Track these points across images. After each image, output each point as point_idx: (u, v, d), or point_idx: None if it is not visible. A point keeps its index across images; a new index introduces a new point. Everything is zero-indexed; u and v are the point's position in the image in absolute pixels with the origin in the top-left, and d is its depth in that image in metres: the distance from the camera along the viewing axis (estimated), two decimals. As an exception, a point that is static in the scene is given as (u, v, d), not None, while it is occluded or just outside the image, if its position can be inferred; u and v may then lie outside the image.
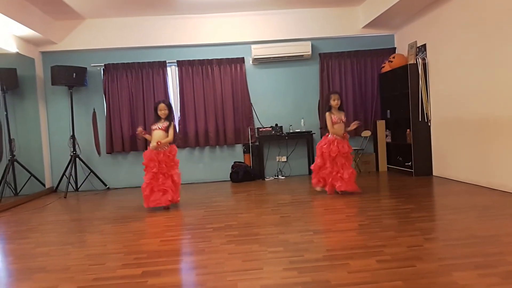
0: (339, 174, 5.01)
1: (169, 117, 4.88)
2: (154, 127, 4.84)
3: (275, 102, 7.27)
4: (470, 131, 5.26)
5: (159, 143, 4.71)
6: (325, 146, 5.08)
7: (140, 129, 4.94)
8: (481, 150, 5.07)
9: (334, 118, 5.09)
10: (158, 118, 4.87)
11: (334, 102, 5.11)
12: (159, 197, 4.71)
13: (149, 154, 4.77)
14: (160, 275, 2.62)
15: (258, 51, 6.94)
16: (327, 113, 5.13)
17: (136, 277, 2.60)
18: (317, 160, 5.21)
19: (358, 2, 6.80)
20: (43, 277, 2.72)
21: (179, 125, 7.11)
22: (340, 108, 5.19)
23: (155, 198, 4.71)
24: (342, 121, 5.13)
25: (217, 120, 7.13)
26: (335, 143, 5.03)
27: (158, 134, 4.78)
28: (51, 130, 7.04)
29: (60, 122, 6.99)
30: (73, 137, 6.71)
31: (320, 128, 6.93)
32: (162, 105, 4.84)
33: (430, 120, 6.23)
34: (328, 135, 5.16)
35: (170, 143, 4.84)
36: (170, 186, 4.76)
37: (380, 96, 7.28)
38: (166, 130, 4.79)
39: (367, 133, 7.14)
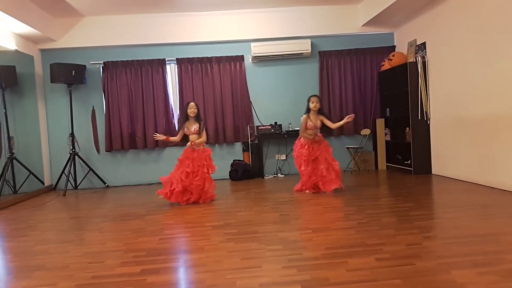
0: (319, 172, 5.08)
1: (198, 116, 5.12)
2: (188, 131, 5.08)
3: (275, 100, 7.26)
4: (470, 130, 5.26)
5: (192, 143, 5.00)
6: (297, 149, 5.24)
7: (163, 137, 5.21)
8: (480, 148, 5.07)
9: (309, 125, 5.15)
10: (187, 117, 5.10)
11: (313, 104, 5.16)
12: (188, 196, 4.97)
13: (186, 151, 5.06)
14: (159, 273, 2.62)
15: (258, 49, 6.93)
16: (304, 116, 5.21)
17: (135, 275, 2.60)
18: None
19: (358, 0, 6.78)
20: (42, 275, 2.72)
21: (178, 123, 7.11)
22: (319, 112, 5.22)
23: (186, 197, 4.96)
24: (317, 127, 5.18)
25: (217, 118, 7.13)
26: (306, 147, 5.14)
27: (193, 138, 5.06)
28: (50, 128, 7.04)
29: (59, 120, 6.98)
30: (72, 135, 6.71)
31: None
32: (192, 104, 5.13)
33: (429, 119, 6.23)
34: (300, 138, 5.28)
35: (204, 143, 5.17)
36: (196, 188, 4.93)
37: (380, 94, 7.28)
38: (199, 133, 5.06)
39: (366, 132, 7.14)
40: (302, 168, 5.16)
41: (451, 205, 4.13)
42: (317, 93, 7.22)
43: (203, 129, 5.11)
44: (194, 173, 4.90)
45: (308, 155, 5.12)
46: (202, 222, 3.99)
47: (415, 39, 6.51)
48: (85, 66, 6.80)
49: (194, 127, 5.06)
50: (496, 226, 3.28)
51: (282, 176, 7.14)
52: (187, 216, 4.32)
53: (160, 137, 5.19)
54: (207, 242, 3.26)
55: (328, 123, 5.19)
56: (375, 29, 7.10)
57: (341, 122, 5.17)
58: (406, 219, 3.63)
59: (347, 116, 5.16)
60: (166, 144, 7.10)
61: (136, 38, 6.89)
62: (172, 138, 5.25)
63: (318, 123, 5.18)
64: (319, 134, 5.24)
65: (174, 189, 4.87)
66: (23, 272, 2.82)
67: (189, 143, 5.04)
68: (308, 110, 5.21)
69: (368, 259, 2.63)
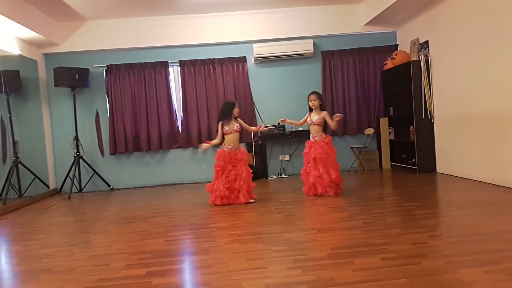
0: (319, 177, 4.93)
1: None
2: (229, 130, 4.94)
3: (278, 101, 7.26)
4: (474, 128, 5.24)
5: (248, 131, 5.38)
6: (306, 149, 5.11)
7: (206, 145, 5.07)
8: (485, 146, 5.05)
9: (310, 120, 5.11)
10: (225, 117, 4.98)
11: (311, 103, 5.10)
12: (236, 196, 4.91)
13: (224, 156, 4.90)
14: (165, 275, 2.63)
15: (260, 50, 6.93)
16: (307, 114, 5.18)
17: (140, 278, 2.61)
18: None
19: (359, -1, 6.79)
20: (48, 278, 2.74)
21: (182, 125, 7.13)
22: (321, 108, 5.13)
23: (234, 198, 4.91)
24: (315, 124, 5.05)
25: (220, 119, 7.13)
26: (310, 145, 5.06)
27: (234, 137, 4.96)
28: (55, 132, 7.07)
29: (63, 124, 7.02)
30: (76, 138, 6.73)
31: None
32: (237, 103, 5.08)
33: (433, 117, 6.20)
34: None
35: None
36: (243, 186, 4.88)
37: (383, 94, 7.26)
38: (240, 130, 5.03)
39: (370, 131, 7.13)
40: (310, 167, 5.01)
41: (456, 204, 4.11)
42: (321, 93, 7.20)
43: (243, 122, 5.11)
44: (238, 176, 4.85)
45: (308, 153, 5.04)
46: (207, 224, 4.00)
47: (418, 38, 6.49)
48: (88, 69, 6.83)
49: (237, 125, 4.99)
50: (502, 224, 3.26)
51: (286, 176, 7.14)
52: (192, 218, 4.32)
53: (204, 146, 5.05)
54: (212, 244, 3.27)
55: (329, 121, 5.15)
56: (377, 28, 7.09)
57: (334, 122, 5.02)
58: (411, 218, 3.62)
59: (335, 116, 5.04)
60: (170, 146, 7.13)
61: (138, 41, 6.92)
62: (213, 142, 5.06)
63: (316, 119, 5.05)
64: (322, 135, 5.06)
65: (220, 195, 4.85)
66: (29, 275, 2.83)
67: (229, 145, 4.91)
68: (310, 109, 5.17)
69: (373, 259, 2.62)
